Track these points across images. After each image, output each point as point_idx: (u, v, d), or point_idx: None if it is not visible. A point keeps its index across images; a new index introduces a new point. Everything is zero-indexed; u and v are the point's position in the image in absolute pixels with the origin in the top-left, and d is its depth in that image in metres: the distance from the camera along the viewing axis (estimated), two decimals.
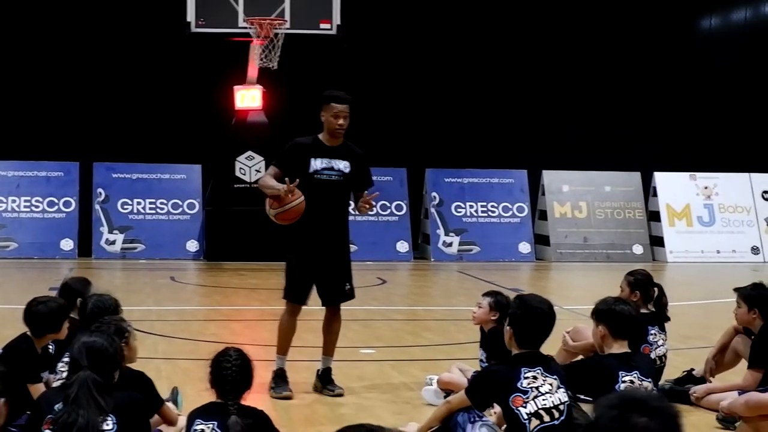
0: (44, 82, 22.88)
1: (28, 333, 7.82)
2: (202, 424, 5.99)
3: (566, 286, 19.20)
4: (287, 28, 20.14)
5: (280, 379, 9.30)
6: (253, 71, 20.96)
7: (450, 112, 24.53)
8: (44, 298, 7.95)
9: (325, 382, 9.51)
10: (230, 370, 6.16)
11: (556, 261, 23.09)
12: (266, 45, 20.10)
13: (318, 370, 9.63)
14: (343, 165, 9.52)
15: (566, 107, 25.01)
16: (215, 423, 5.96)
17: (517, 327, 6.54)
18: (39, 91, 22.88)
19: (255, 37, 20.12)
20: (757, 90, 25.60)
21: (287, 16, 20.13)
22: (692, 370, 9.46)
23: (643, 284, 9.18)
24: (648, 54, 25.38)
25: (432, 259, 22.73)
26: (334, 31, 20.35)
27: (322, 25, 20.36)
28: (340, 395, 9.33)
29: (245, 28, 20.15)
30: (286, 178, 9.27)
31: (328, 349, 9.68)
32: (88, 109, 23.05)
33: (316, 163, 9.47)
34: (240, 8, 20.20)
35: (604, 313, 6.93)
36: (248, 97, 21.44)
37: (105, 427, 5.63)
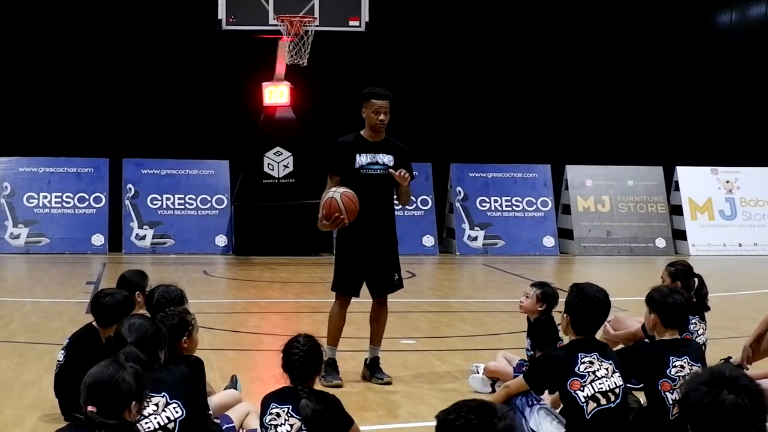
0: (75, 79, 23.14)
1: (94, 323, 8.11)
2: (277, 407, 6.26)
3: (590, 279, 19.09)
4: (317, 26, 20.36)
5: (330, 368, 9.54)
6: (281, 68, 21.20)
7: (474, 107, 24.76)
8: (111, 290, 8.23)
9: (373, 371, 9.78)
10: (299, 356, 6.41)
11: (580, 254, 23.35)
12: (296, 42, 20.32)
13: (366, 359, 9.91)
14: (387, 159, 9.77)
15: (589, 103, 25.24)
16: (290, 407, 6.23)
17: (574, 314, 6.83)
18: (69, 87, 23.14)
19: (285, 35, 20.34)
20: None
21: (317, 14, 20.36)
22: (729, 358, 9.69)
23: (683, 274, 9.40)
24: (670, 49, 25.58)
25: (457, 253, 22.99)
26: (362, 28, 20.57)
27: (351, 22, 20.60)
28: (389, 383, 9.61)
29: (275, 25, 20.36)
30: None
31: (376, 339, 9.95)
32: (117, 106, 23.32)
33: (361, 159, 9.71)
34: (270, 6, 20.42)
35: (657, 302, 7.15)
36: (276, 94, 21.71)
37: (175, 414, 5.96)
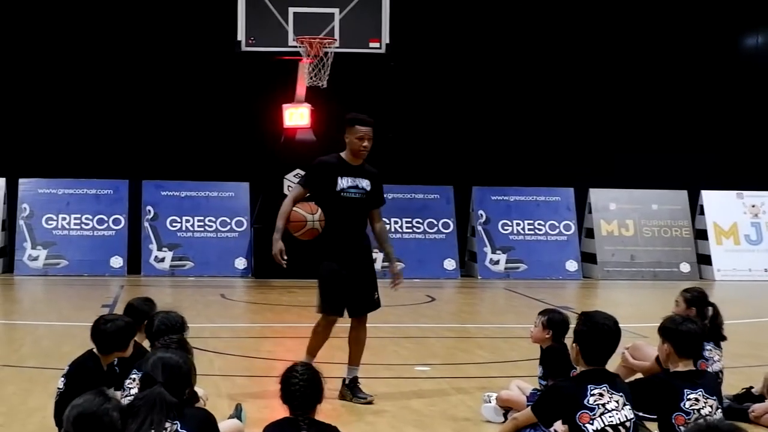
0: (94, 100, 23.12)
1: (95, 350, 7.91)
2: None
3: (614, 304, 19.15)
4: (337, 47, 20.23)
5: None
6: (301, 89, 21.07)
7: (496, 130, 24.57)
8: (112, 316, 8.03)
9: (354, 392, 9.81)
10: (298, 385, 6.19)
11: (603, 279, 23.08)
12: (316, 63, 20.19)
13: (345, 380, 9.92)
14: (365, 183, 9.98)
15: (613, 126, 25.00)
16: None
17: (583, 343, 6.60)
18: (89, 109, 23.12)
19: (305, 56, 20.22)
20: None
21: (336, 35, 20.22)
22: (751, 387, 9.45)
23: (698, 301, 9.17)
24: (695, 72, 25.35)
25: (479, 277, 22.77)
26: (383, 50, 20.41)
27: (371, 44, 20.44)
28: (371, 403, 9.61)
29: (295, 47, 20.25)
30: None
31: (355, 359, 10.00)
32: (137, 127, 23.27)
33: (343, 182, 9.90)
34: (290, 27, 20.30)
35: (670, 331, 6.94)
36: (297, 115, 21.56)
37: None
